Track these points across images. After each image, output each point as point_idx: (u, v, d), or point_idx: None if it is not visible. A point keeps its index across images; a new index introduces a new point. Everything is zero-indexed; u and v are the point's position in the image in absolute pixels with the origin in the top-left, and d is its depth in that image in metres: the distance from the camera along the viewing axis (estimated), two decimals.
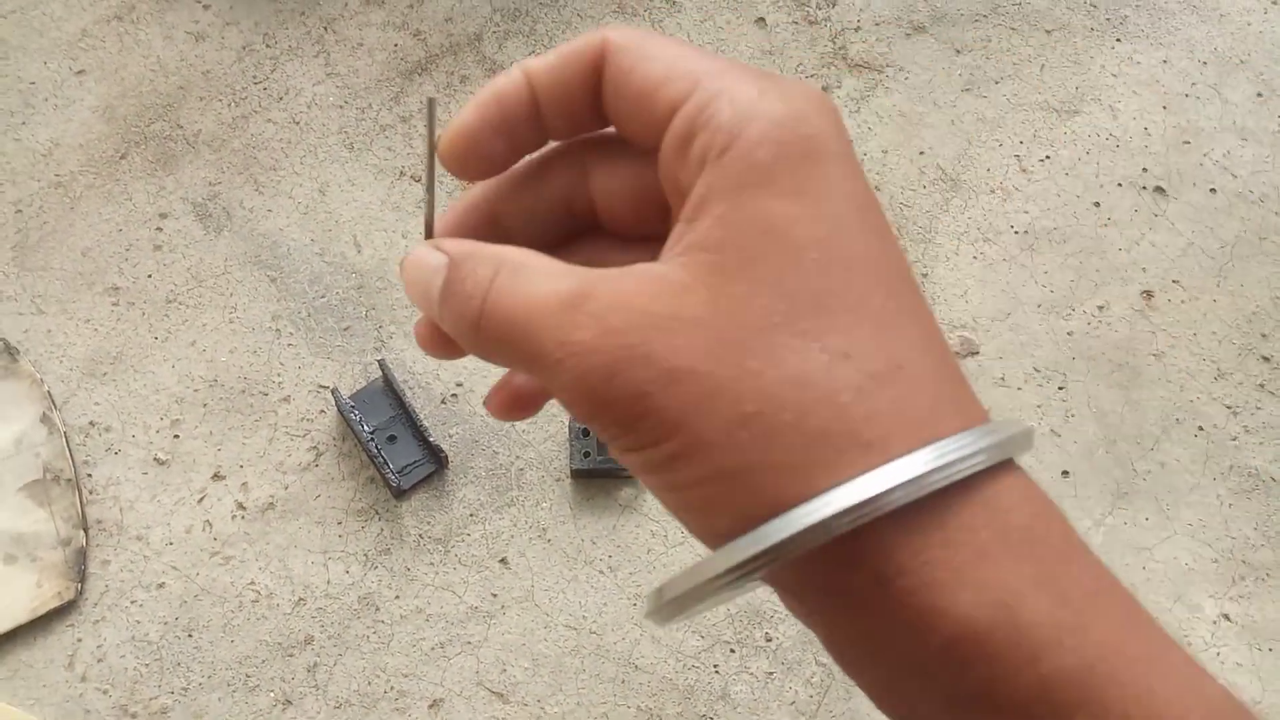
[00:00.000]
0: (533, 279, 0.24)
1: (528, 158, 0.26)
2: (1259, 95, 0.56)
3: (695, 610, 0.25)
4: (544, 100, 0.26)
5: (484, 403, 0.28)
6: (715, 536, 0.23)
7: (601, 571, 0.46)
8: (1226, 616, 0.46)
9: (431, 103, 0.27)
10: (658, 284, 0.23)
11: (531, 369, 0.24)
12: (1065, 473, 0.48)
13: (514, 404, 0.28)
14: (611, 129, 0.26)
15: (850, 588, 0.23)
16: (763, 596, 0.46)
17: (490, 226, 0.27)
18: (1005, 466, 0.22)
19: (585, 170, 0.27)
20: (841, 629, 0.24)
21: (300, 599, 0.45)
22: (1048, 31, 0.58)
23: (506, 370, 0.27)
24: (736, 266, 0.23)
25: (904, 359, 0.23)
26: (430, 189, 0.26)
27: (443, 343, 0.26)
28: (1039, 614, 0.22)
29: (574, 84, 0.25)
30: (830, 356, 0.22)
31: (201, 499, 0.46)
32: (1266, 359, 0.51)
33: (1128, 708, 0.21)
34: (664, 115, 0.24)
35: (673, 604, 0.24)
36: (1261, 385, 0.50)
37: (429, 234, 0.26)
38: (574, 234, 0.27)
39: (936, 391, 0.23)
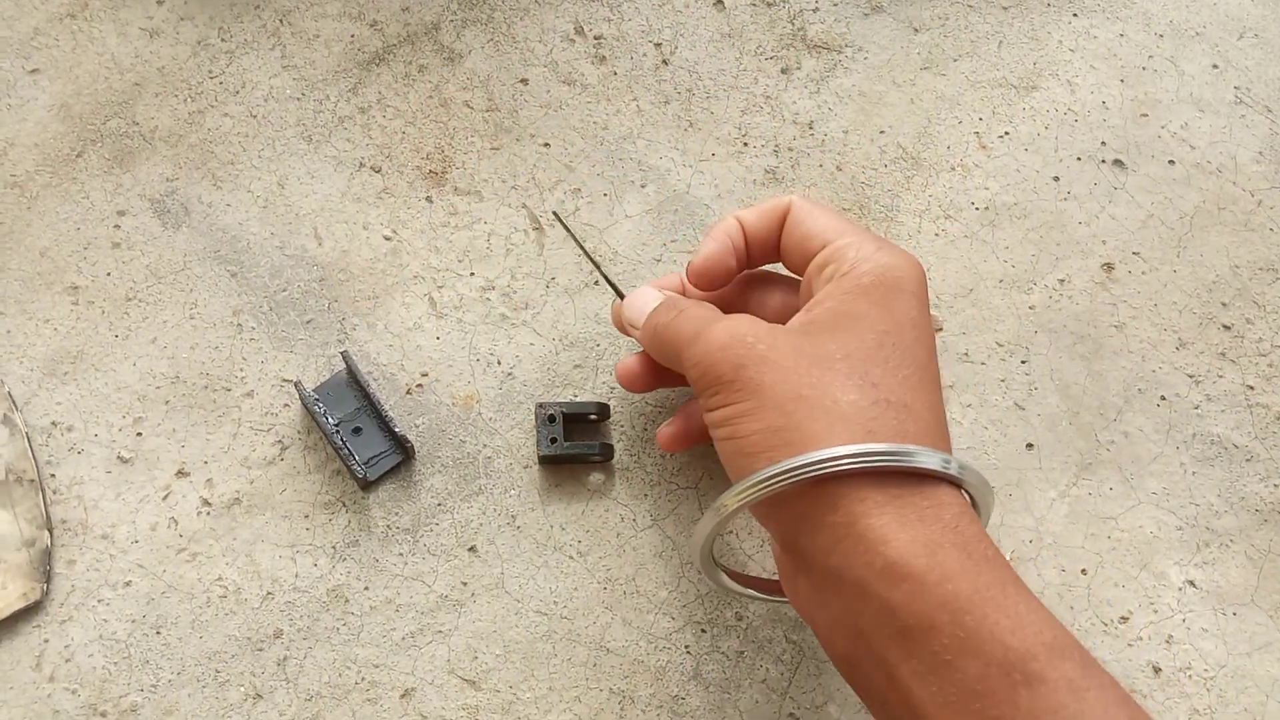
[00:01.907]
0: (705, 309, 0.40)
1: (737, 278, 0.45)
2: (1215, 67, 0.57)
3: (709, 557, 0.41)
4: (753, 234, 0.42)
5: (657, 436, 0.45)
6: (749, 469, 0.35)
7: (571, 557, 0.46)
8: (1192, 583, 0.47)
9: (557, 215, 0.50)
10: (773, 324, 0.38)
11: (684, 345, 0.39)
12: (1030, 445, 0.49)
13: (681, 437, 0.45)
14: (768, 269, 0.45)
15: (835, 521, 0.34)
16: None
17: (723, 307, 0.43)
18: (955, 489, 0.35)
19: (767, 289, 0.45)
20: (819, 563, 0.35)
21: (268, 593, 0.45)
22: (1005, 8, 0.58)
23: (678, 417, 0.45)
24: (826, 329, 0.37)
25: (910, 403, 0.36)
26: (599, 268, 0.47)
27: (645, 376, 0.44)
28: (950, 557, 0.33)
29: (771, 226, 0.42)
30: (865, 382, 0.35)
31: (166, 496, 0.46)
32: (1227, 327, 0.51)
33: (998, 616, 0.32)
34: (814, 251, 0.40)
35: (714, 511, 0.38)
36: (1223, 354, 0.51)
37: (620, 295, 0.45)
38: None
39: (925, 428, 0.35)
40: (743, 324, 0.38)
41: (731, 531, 0.47)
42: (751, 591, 0.43)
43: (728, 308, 0.42)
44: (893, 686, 0.33)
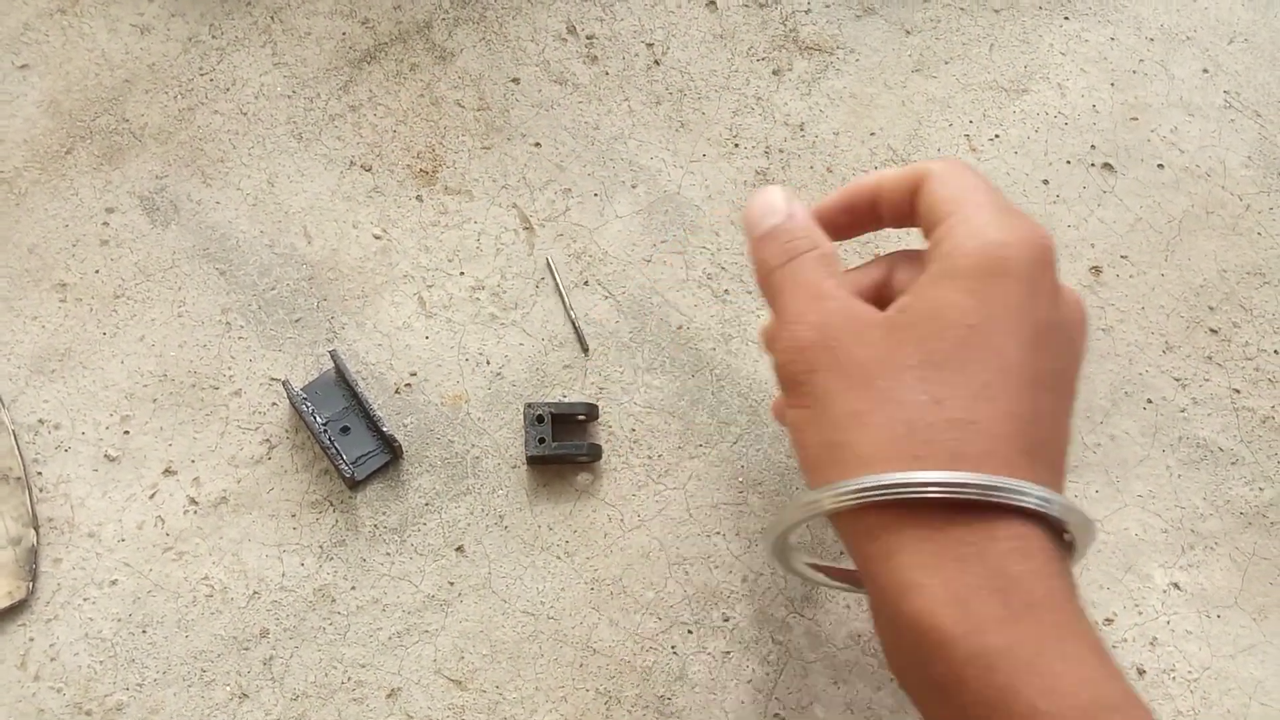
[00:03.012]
0: (822, 270, 0.36)
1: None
2: (1205, 71, 0.57)
3: (784, 545, 0.38)
4: (885, 197, 0.38)
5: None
6: (814, 483, 0.34)
7: (558, 557, 0.46)
8: (1176, 585, 0.47)
9: (549, 260, 0.50)
10: (868, 316, 0.34)
11: (776, 317, 0.36)
12: None
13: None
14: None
15: (872, 554, 0.32)
16: (719, 578, 0.46)
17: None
18: (1019, 517, 0.31)
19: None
20: (870, 592, 0.34)
21: (255, 592, 0.45)
22: (996, 11, 0.58)
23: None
24: (910, 325, 0.33)
25: (981, 419, 0.31)
26: (568, 305, 0.47)
27: None
28: (985, 607, 0.30)
29: (905, 190, 0.37)
30: (929, 398, 0.32)
31: (153, 494, 0.46)
32: (1214, 331, 0.52)
33: (1030, 676, 0.29)
34: (938, 222, 0.35)
35: (769, 531, 0.37)
36: (1209, 357, 0.51)
37: (585, 349, 0.47)
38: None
39: (990, 448, 0.31)
40: (832, 312, 0.34)
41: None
42: (828, 579, 0.41)
43: (871, 288, 0.38)
44: None
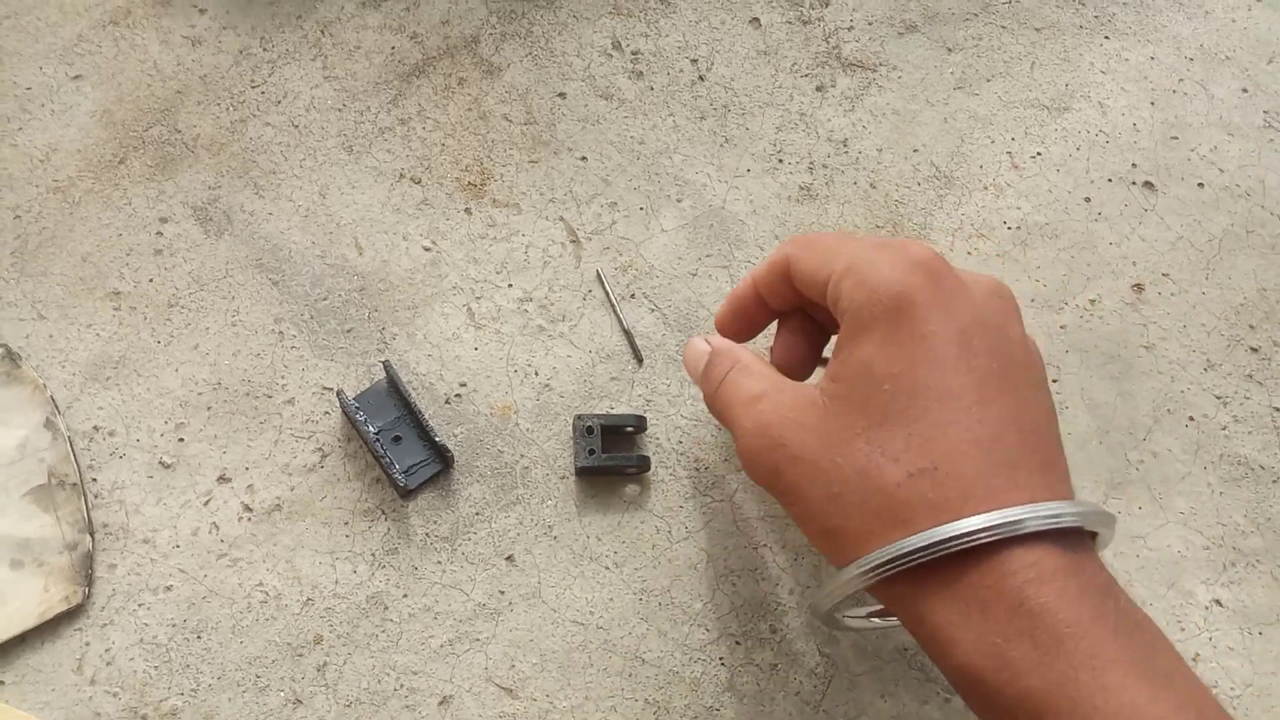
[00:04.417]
0: (745, 379, 0.37)
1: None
2: (1244, 91, 0.57)
3: (830, 616, 0.40)
4: (763, 291, 0.40)
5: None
6: (836, 564, 0.34)
7: (607, 567, 0.47)
8: (1218, 602, 0.47)
9: (600, 273, 0.51)
10: (802, 399, 0.35)
11: (732, 435, 0.37)
12: None
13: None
14: None
15: (908, 619, 0.33)
16: (766, 590, 0.46)
17: (763, 319, 0.42)
18: (1026, 542, 0.31)
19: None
20: (922, 647, 0.34)
21: (308, 599, 0.45)
22: (1037, 30, 0.59)
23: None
24: (844, 393, 0.34)
25: (940, 462, 0.31)
26: (620, 316, 0.49)
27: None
28: (1018, 652, 0.30)
29: (777, 279, 0.39)
30: (885, 459, 0.32)
31: (208, 501, 0.46)
32: (1254, 349, 0.52)
33: (1074, 715, 0.28)
34: (823, 290, 0.36)
35: (813, 610, 0.40)
36: (1250, 375, 0.51)
37: (639, 359, 0.46)
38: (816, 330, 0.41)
39: (966, 486, 0.31)
40: (766, 412, 0.35)
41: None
42: (882, 622, 0.42)
43: (799, 361, 0.41)
44: None
